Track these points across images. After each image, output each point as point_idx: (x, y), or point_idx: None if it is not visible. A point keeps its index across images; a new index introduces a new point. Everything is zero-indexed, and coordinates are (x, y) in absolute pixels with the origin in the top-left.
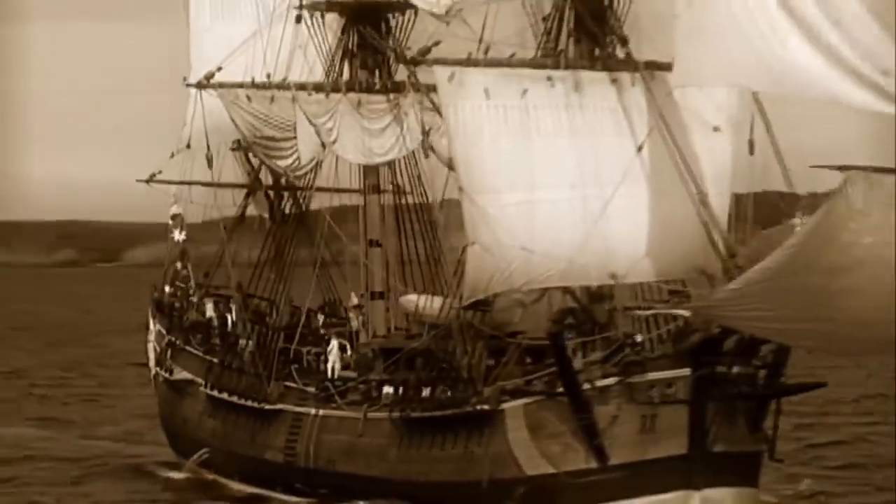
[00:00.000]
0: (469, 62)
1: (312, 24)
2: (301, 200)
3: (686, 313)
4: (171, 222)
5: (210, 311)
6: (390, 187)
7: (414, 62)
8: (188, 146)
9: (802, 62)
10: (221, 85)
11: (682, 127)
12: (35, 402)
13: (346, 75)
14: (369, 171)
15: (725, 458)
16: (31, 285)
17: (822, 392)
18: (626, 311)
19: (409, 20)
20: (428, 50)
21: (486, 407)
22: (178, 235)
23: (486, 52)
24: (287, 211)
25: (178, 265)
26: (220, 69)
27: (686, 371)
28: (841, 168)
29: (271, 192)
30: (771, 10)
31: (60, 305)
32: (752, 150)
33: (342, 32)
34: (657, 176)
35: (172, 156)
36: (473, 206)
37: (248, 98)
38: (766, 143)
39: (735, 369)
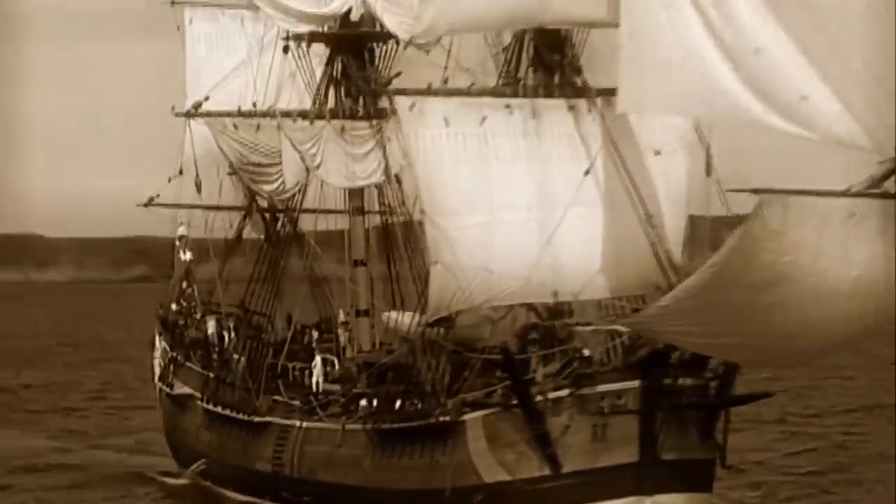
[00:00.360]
0: (429, 92)
1: (298, 54)
2: (291, 222)
3: (623, 328)
4: (177, 243)
5: (212, 328)
6: (377, 208)
7: (375, 93)
8: (180, 172)
9: (730, 89)
10: (209, 114)
11: (636, 151)
12: (59, 416)
13: (331, 102)
14: (353, 193)
15: (676, 466)
16: (96, 301)
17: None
18: (567, 326)
19: (392, 49)
20: (389, 81)
21: (448, 418)
22: (185, 255)
23: (445, 82)
24: (281, 232)
25: (184, 284)
26: (207, 99)
27: (635, 383)
28: (754, 191)
29: (267, 215)
30: (700, 39)
31: (117, 321)
32: (709, 173)
33: (327, 62)
34: (611, 198)
35: (170, 180)
36: (435, 228)
37: (235, 126)
38: (727, 166)
39: (684, 381)
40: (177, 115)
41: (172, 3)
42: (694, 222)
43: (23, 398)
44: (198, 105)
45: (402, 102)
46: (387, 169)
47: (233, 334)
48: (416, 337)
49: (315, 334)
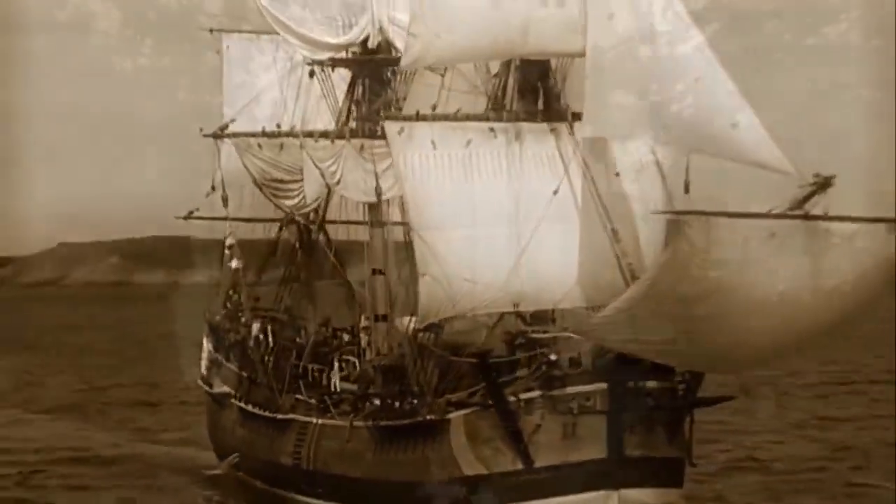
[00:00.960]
0: (417, 118)
1: (322, 78)
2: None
3: (575, 336)
4: (227, 252)
5: (255, 330)
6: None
7: (369, 119)
8: (213, 188)
9: (674, 117)
10: (235, 135)
11: (612, 170)
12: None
13: (354, 123)
14: (373, 207)
15: (643, 462)
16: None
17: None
18: (524, 334)
19: (410, 72)
20: (389, 106)
21: (434, 417)
22: (234, 264)
23: (434, 108)
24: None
25: (231, 291)
26: (234, 121)
27: (603, 385)
28: (677, 212)
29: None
30: (650, 71)
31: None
32: (686, 190)
33: (349, 85)
34: (588, 214)
35: (207, 195)
36: (422, 242)
37: (260, 146)
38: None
39: (649, 384)
40: (205, 135)
41: (211, 31)
42: None
43: (111, 395)
44: (224, 127)
45: (391, 128)
46: None
47: (270, 337)
48: (407, 342)
49: (346, 337)
